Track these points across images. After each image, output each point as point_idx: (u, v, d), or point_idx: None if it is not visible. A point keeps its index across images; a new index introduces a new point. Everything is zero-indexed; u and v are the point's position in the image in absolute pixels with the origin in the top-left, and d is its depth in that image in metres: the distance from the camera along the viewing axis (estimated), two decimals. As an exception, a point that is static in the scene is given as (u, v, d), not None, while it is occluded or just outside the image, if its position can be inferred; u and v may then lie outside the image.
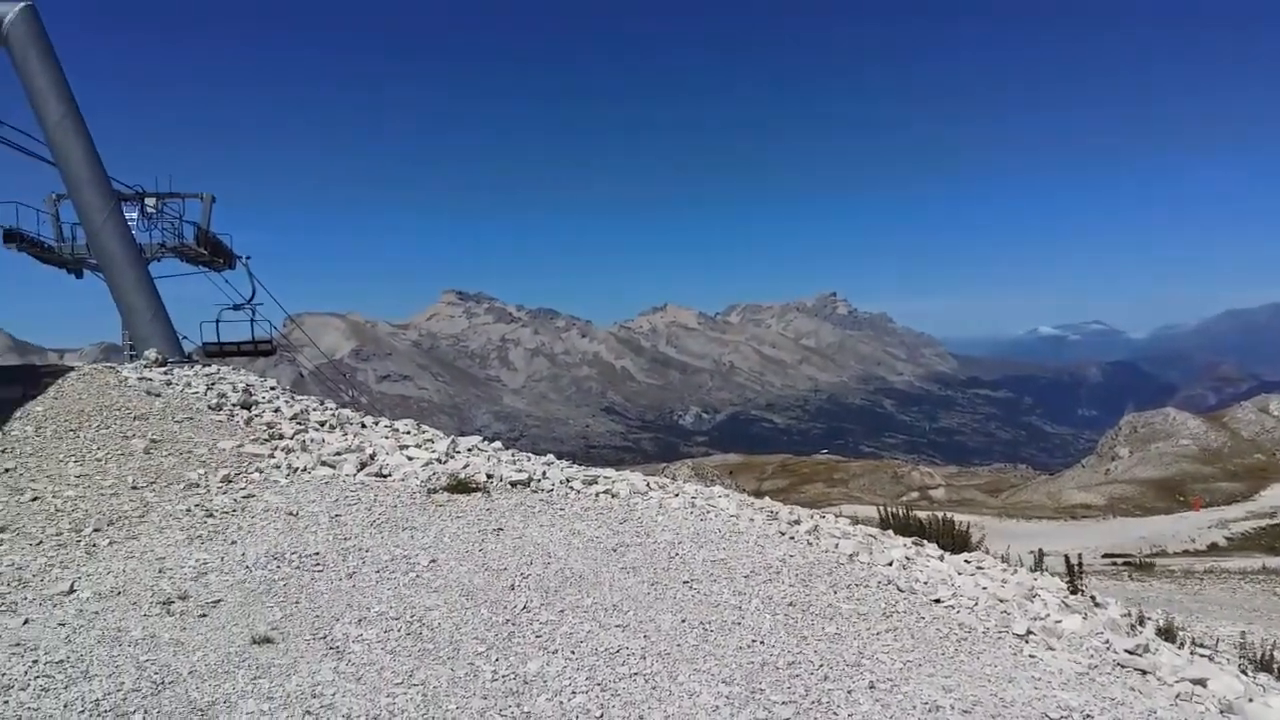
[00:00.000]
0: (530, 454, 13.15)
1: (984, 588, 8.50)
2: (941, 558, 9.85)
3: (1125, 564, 33.57)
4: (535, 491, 10.32)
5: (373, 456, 10.86)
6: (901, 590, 7.93)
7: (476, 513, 9.20)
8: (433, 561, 7.53)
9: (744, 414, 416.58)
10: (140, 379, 13.10)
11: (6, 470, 9.18)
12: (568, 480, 10.87)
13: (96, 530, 7.91)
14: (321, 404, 14.50)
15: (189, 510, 8.58)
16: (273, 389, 14.82)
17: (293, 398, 14.59)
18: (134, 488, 9.06)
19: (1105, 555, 39.51)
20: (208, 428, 11.42)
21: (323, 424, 12.72)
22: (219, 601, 6.45)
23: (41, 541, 7.55)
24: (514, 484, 10.43)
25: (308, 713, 4.90)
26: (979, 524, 25.43)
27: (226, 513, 8.61)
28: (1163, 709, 6.05)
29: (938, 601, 7.80)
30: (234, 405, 12.55)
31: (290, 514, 8.66)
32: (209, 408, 12.24)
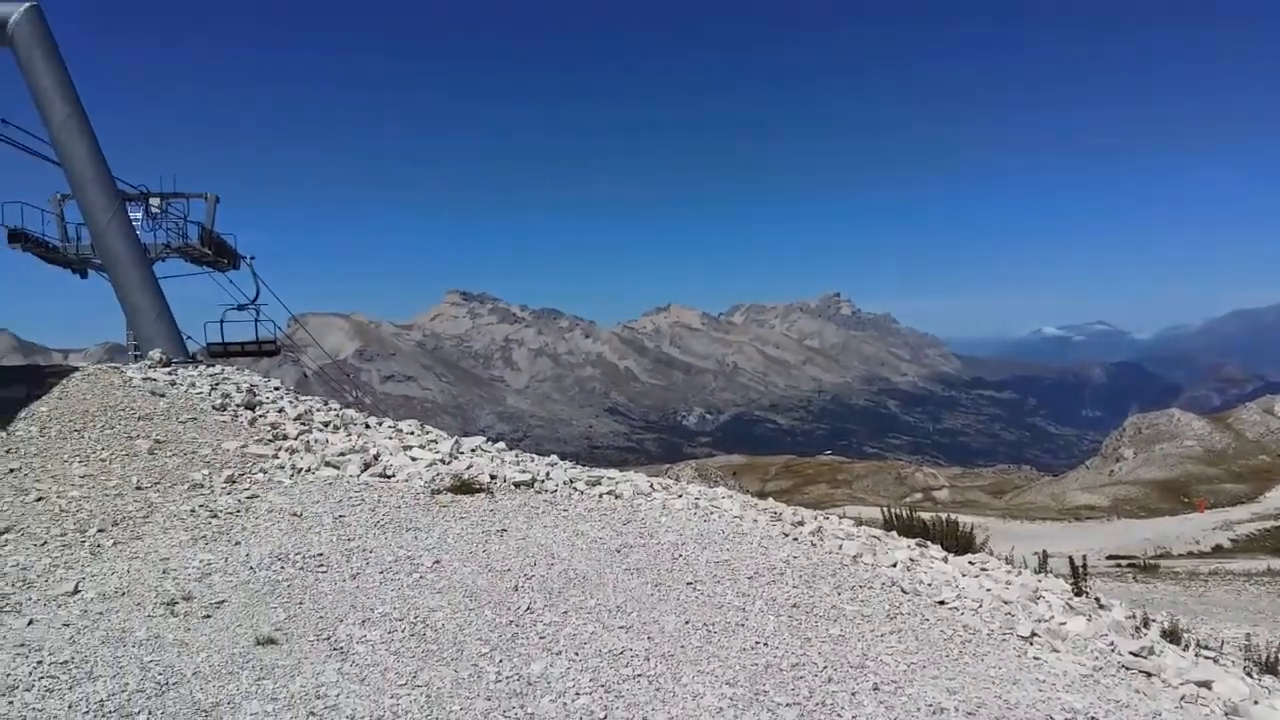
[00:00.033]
0: (534, 455, 13.16)
1: (988, 589, 8.49)
2: (945, 559, 9.84)
3: (1130, 566, 33.50)
4: (539, 492, 10.32)
5: (376, 457, 10.87)
6: (905, 592, 7.92)
7: (480, 514, 9.20)
8: (436, 562, 7.53)
9: (747, 415, 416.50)
10: (145, 379, 13.11)
11: (11, 470, 9.20)
12: (571, 481, 10.87)
13: (101, 531, 7.91)
14: (325, 404, 14.52)
15: (193, 511, 8.58)
16: (277, 389, 14.84)
17: (297, 398, 14.61)
18: (138, 488, 9.08)
19: (1109, 557, 39.42)
20: (212, 428, 11.43)
21: (327, 424, 12.73)
22: (223, 602, 6.45)
23: (46, 542, 7.56)
24: (518, 485, 10.44)
25: (311, 714, 4.90)
26: (983, 525, 25.38)
27: (230, 513, 8.62)
28: (1168, 711, 6.04)
29: (942, 603, 7.79)
30: (238, 406, 12.57)
31: (294, 515, 8.66)
32: (213, 408, 12.25)
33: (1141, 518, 64.76)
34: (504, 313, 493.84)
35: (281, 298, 26.68)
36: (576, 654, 5.86)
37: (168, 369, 14.47)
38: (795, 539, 9.34)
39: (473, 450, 12.31)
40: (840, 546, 9.20)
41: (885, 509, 14.50)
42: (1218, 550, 46.47)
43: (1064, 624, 7.70)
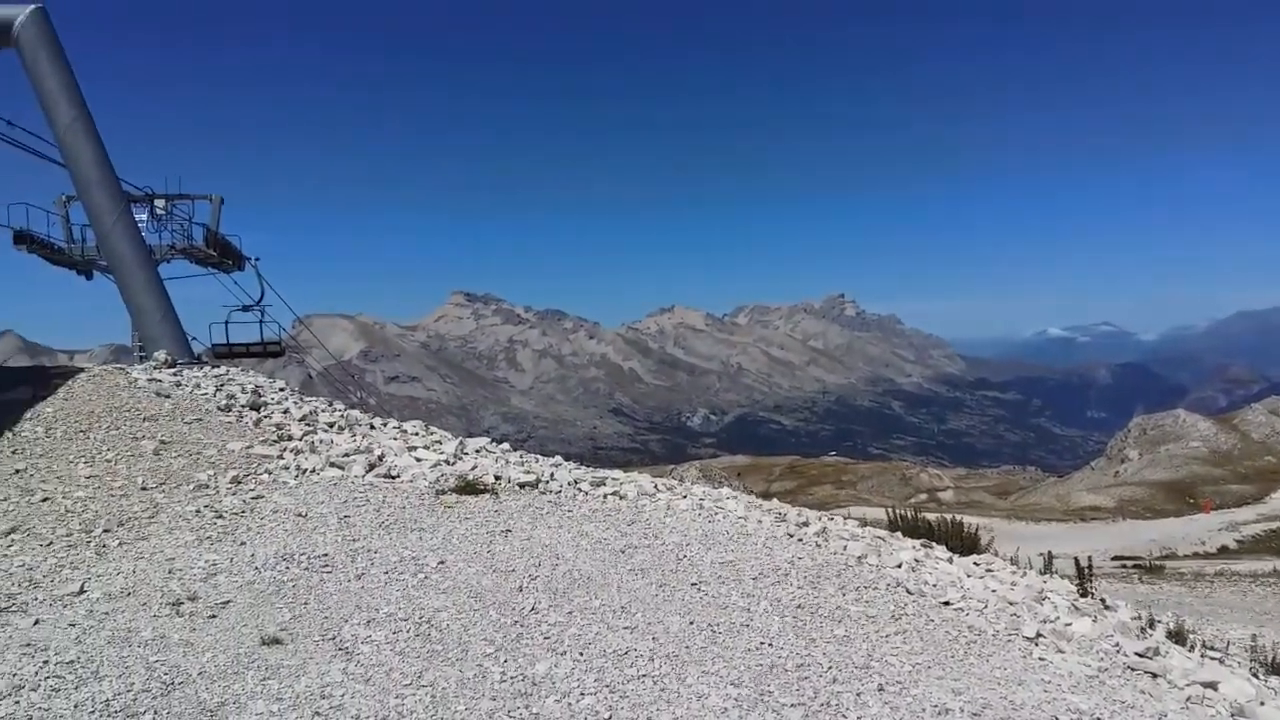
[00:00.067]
0: (538, 455, 13.16)
1: (993, 590, 8.48)
2: (950, 560, 9.82)
3: (1135, 567, 33.43)
4: (543, 493, 10.32)
5: (381, 458, 10.88)
6: (910, 593, 7.91)
7: (485, 514, 9.20)
8: (441, 563, 7.54)
9: (752, 415, 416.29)
10: (150, 380, 13.13)
11: (17, 471, 9.22)
12: (575, 482, 10.87)
13: (106, 531, 7.93)
14: (330, 405, 14.53)
15: (198, 511, 8.60)
16: (281, 390, 14.85)
17: (301, 399, 14.63)
18: (143, 489, 9.10)
19: (1115, 558, 39.35)
20: (217, 429, 11.45)
21: (331, 425, 12.74)
22: (228, 602, 6.46)
23: (52, 542, 7.58)
24: (522, 485, 10.44)
25: (317, 713, 4.90)
26: (988, 526, 25.35)
27: (235, 514, 8.63)
28: (1173, 712, 6.02)
29: (947, 604, 7.78)
30: (243, 406, 12.59)
31: (299, 515, 8.68)
32: (218, 409, 12.27)
33: (1147, 519, 64.62)
34: (508, 314, 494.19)
35: (286, 299, 26.82)
36: (581, 654, 5.86)
37: (173, 370, 14.50)
38: (800, 540, 9.33)
39: (477, 451, 12.32)
40: (845, 547, 9.19)
41: (890, 510, 14.49)
42: (1223, 551, 46.36)
43: (1069, 625, 7.68)
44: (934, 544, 10.67)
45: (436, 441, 12.64)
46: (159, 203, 22.63)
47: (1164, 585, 25.48)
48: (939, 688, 5.79)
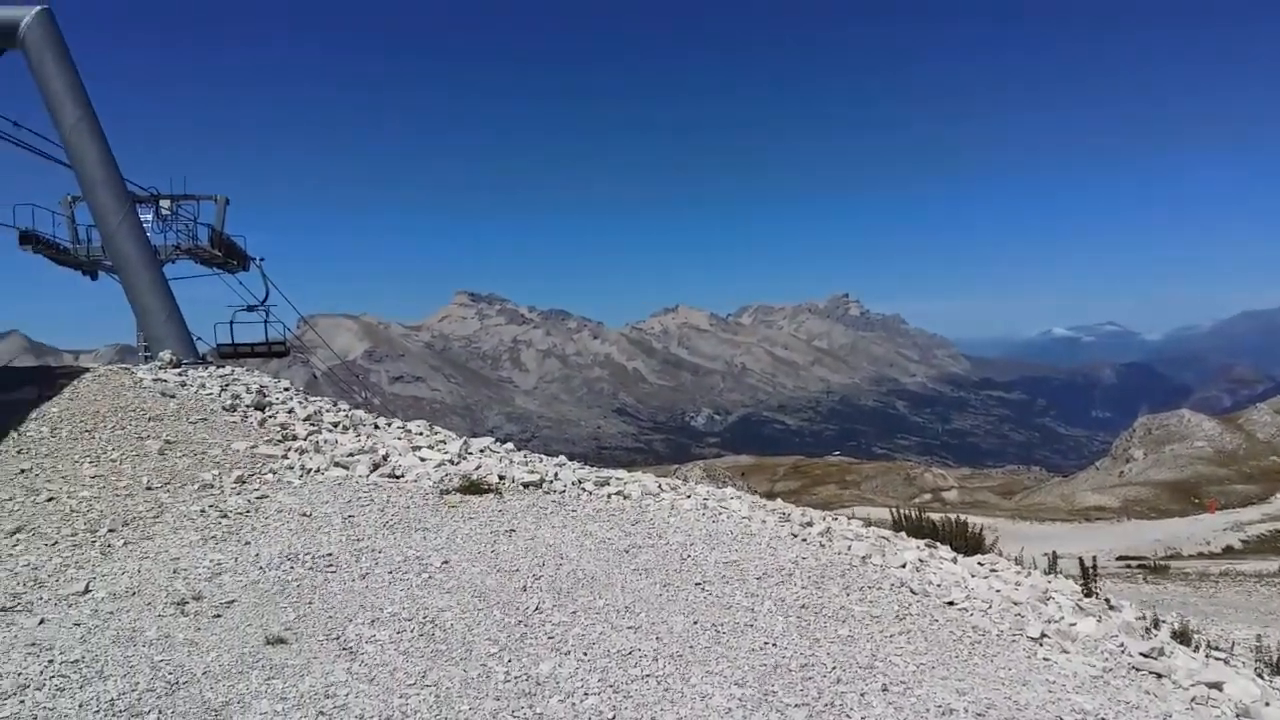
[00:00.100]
0: (542, 455, 13.17)
1: (998, 590, 8.47)
2: (955, 560, 9.82)
3: (1140, 567, 33.38)
4: (547, 493, 10.33)
5: (386, 458, 10.89)
6: (915, 593, 7.91)
7: (489, 514, 9.21)
8: (445, 563, 7.54)
9: (756, 415, 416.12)
10: (155, 380, 13.15)
11: (22, 471, 9.24)
12: (580, 481, 10.87)
13: (111, 531, 7.95)
14: (335, 405, 14.54)
15: (203, 511, 8.61)
16: (286, 390, 14.87)
17: (306, 399, 14.64)
18: (149, 488, 9.11)
19: (1119, 558, 39.28)
20: (222, 429, 11.46)
21: (336, 425, 12.75)
22: (233, 602, 6.47)
23: (57, 542, 7.59)
24: (526, 485, 10.45)
25: (321, 713, 4.91)
26: (992, 526, 25.34)
27: (240, 513, 8.65)
28: (1178, 713, 6.02)
29: (951, 604, 7.77)
30: (248, 406, 12.60)
31: (304, 515, 8.69)
32: (223, 409, 12.28)
33: (1152, 519, 64.53)
34: (512, 314, 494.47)
35: (291, 299, 26.79)
36: (585, 654, 5.87)
37: (178, 370, 14.52)
38: (804, 540, 9.33)
39: (481, 451, 12.32)
40: (849, 547, 9.19)
41: (894, 510, 14.48)
42: (1228, 551, 46.29)
43: (1074, 625, 7.67)
44: (938, 544, 10.65)
45: (441, 441, 12.65)
46: (164, 203, 22.66)
47: (1169, 585, 25.45)
48: (943, 688, 5.79)
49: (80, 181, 17.49)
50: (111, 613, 6.17)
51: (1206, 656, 8.08)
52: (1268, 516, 59.18)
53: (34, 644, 5.54)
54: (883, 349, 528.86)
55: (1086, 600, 9.00)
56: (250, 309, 24.15)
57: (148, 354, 17.38)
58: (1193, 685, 6.67)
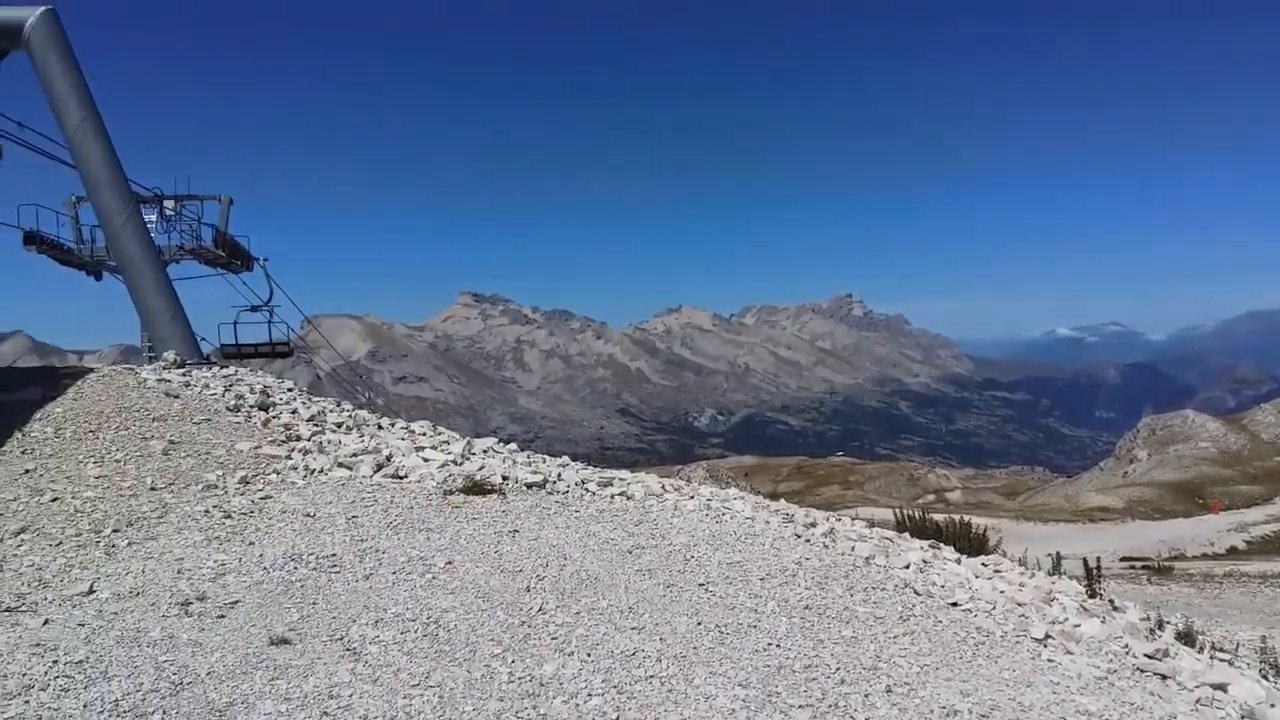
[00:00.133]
0: (545, 456, 13.17)
1: (1001, 591, 8.46)
2: (958, 561, 9.81)
3: (1144, 567, 33.33)
4: (551, 493, 10.33)
5: (389, 458, 10.90)
6: (918, 593, 7.90)
7: (492, 514, 9.21)
8: (449, 563, 7.55)
9: (759, 416, 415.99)
10: (159, 380, 13.17)
11: (26, 471, 9.26)
12: (583, 482, 10.87)
13: (115, 531, 7.96)
14: (338, 405, 14.56)
15: (207, 511, 8.62)
16: (290, 390, 14.89)
17: (310, 399, 14.66)
18: (153, 489, 9.12)
19: (1123, 559, 39.23)
20: (225, 429, 11.47)
21: (339, 425, 12.77)
22: (237, 602, 6.48)
23: (61, 542, 7.60)
24: (529, 486, 10.45)
25: (325, 714, 4.91)
26: (996, 527, 25.30)
27: (244, 514, 8.65)
28: (1183, 714, 6.01)
29: (955, 605, 7.76)
30: (251, 407, 12.62)
31: (307, 515, 8.69)
32: (227, 409, 12.30)
33: (1156, 519, 64.43)
34: (515, 314, 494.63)
35: (294, 299, 26.81)
36: (589, 655, 5.86)
37: (182, 370, 14.54)
38: (807, 540, 9.32)
39: (485, 451, 12.33)
40: (853, 548, 9.18)
41: (898, 510, 14.47)
42: (1232, 552, 46.19)
43: (1078, 626, 7.66)
44: (942, 545, 10.65)
45: (444, 442, 12.66)
46: (168, 203, 22.70)
47: (1173, 586, 25.42)
48: (947, 689, 5.78)
49: (84, 182, 17.51)
50: (116, 613, 6.18)
51: (1211, 658, 8.07)
52: (1272, 517, 59.02)
53: (39, 644, 5.55)
54: (886, 349, 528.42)
55: (1091, 601, 8.99)
56: (254, 309, 24.19)
57: (152, 354, 17.40)
58: (1197, 687, 6.66)
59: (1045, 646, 7.04)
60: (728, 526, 9.46)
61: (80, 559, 7.29)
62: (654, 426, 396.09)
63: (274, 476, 9.97)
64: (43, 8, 16.81)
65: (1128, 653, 7.13)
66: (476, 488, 10.06)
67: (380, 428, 13.31)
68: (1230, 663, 8.28)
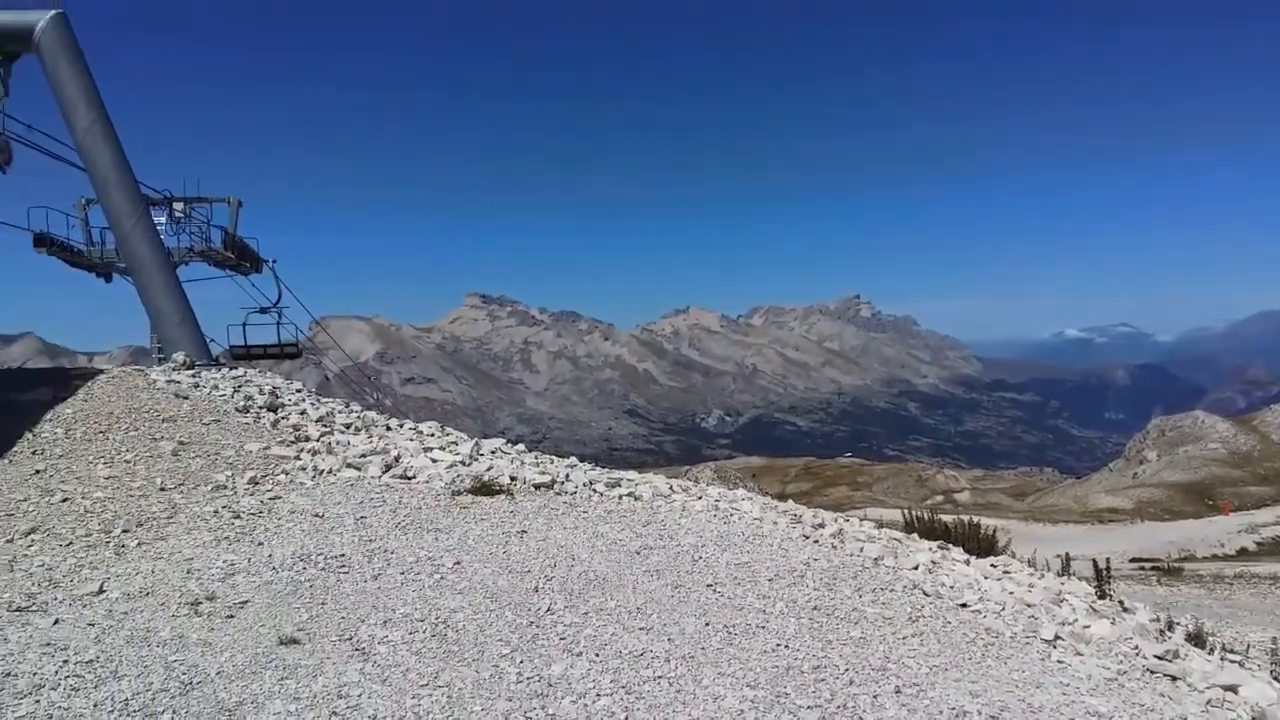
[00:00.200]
0: (553, 456, 13.18)
1: (1011, 592, 8.44)
2: (967, 562, 9.79)
3: (1153, 569, 33.20)
4: (559, 494, 10.33)
5: (397, 459, 10.91)
6: (927, 594, 7.88)
7: (500, 515, 9.22)
8: (457, 563, 7.55)
9: (767, 417, 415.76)
10: (168, 382, 13.22)
11: (37, 472, 9.29)
12: (591, 483, 10.87)
13: (125, 531, 7.98)
14: (347, 406, 14.58)
15: (216, 512, 8.65)
16: (298, 391, 14.92)
17: (318, 400, 14.69)
18: (162, 489, 9.15)
19: (1133, 560, 39.07)
20: (235, 430, 11.51)
21: (348, 426, 12.79)
22: (246, 602, 6.49)
23: (71, 542, 7.63)
24: (537, 486, 10.45)
25: (334, 713, 4.92)
26: (1005, 528, 25.23)
27: (253, 514, 8.67)
28: (1193, 716, 5.98)
29: (964, 606, 7.74)
30: (260, 408, 12.65)
31: (316, 516, 8.71)
32: (236, 410, 12.33)
33: (1165, 520, 64.14)
34: (523, 315, 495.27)
35: (303, 301, 26.88)
36: (597, 655, 5.86)
37: (191, 371, 14.58)
38: (816, 541, 9.31)
39: (493, 452, 12.34)
40: (861, 549, 9.17)
41: (906, 511, 14.44)
42: (1242, 553, 45.94)
43: (1088, 627, 7.64)
44: (951, 546, 10.63)
45: (452, 442, 12.67)
46: (177, 205, 22.77)
47: (1182, 587, 25.30)
48: (956, 690, 5.77)
49: (94, 184, 17.58)
50: (125, 613, 6.20)
51: (1221, 659, 8.03)
52: (1282, 519, 58.74)
53: (49, 644, 5.57)
54: (894, 350, 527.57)
55: (1100, 602, 8.96)
56: (263, 311, 24.28)
57: (161, 355, 17.46)
58: (1208, 688, 6.63)
59: (1055, 648, 7.02)
60: (736, 527, 9.46)
61: (90, 559, 7.31)
62: (661, 427, 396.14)
63: (283, 477, 10.00)
64: (53, 11, 16.89)
65: (1138, 654, 7.11)
66: (484, 488, 10.06)
67: (388, 429, 13.33)
68: (1241, 664, 8.24)
